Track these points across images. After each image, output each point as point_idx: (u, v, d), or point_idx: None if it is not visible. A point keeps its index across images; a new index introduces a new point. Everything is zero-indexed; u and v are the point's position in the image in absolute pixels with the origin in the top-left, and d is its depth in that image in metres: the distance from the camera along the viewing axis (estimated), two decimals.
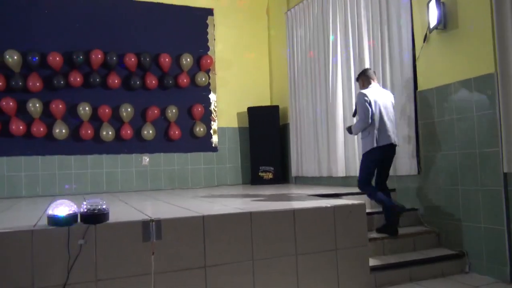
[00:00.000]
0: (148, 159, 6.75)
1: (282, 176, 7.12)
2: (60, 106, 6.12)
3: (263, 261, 3.12)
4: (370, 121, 4.04)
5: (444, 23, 4.10)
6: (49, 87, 6.18)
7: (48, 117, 6.15)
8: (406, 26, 4.62)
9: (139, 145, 6.69)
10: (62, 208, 2.65)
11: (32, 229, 2.60)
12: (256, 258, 3.11)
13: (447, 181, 4.15)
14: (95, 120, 6.38)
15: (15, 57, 5.94)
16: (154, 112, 6.63)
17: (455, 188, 4.05)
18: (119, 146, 6.57)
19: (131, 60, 6.51)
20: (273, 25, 7.66)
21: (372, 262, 3.61)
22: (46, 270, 2.58)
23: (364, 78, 4.33)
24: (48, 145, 6.21)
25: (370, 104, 4.06)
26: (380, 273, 3.58)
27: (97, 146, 6.45)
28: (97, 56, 6.31)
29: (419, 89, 4.50)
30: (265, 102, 7.57)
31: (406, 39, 4.62)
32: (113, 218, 2.85)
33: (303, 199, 4.18)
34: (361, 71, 4.47)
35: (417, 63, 4.51)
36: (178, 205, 3.89)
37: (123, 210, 3.64)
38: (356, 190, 4.51)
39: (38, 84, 6.05)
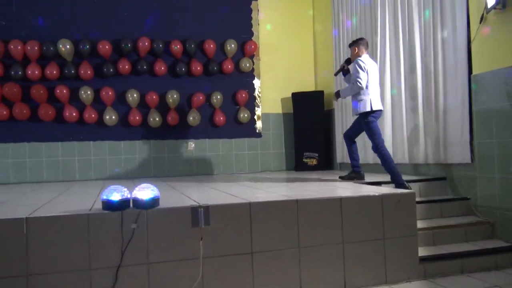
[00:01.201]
0: (193, 145, 6.87)
1: (327, 162, 7.04)
2: (110, 93, 6.32)
3: (309, 248, 3.12)
4: (365, 87, 4.44)
5: (503, 2, 3.85)
6: (99, 75, 6.39)
7: (99, 104, 6.37)
8: (461, 7, 4.37)
9: (185, 131, 6.82)
10: (116, 194, 2.74)
11: (88, 213, 2.72)
12: (302, 246, 3.11)
13: (503, 170, 3.94)
14: (143, 106, 6.54)
15: (68, 46, 6.16)
16: (199, 98, 6.71)
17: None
18: (166, 132, 6.72)
19: (176, 47, 6.59)
20: (318, 8, 7.50)
21: (422, 252, 3.51)
22: (101, 252, 2.70)
23: (362, 45, 4.67)
24: (99, 131, 6.46)
25: (367, 71, 4.46)
26: (430, 264, 3.48)
27: (145, 132, 6.63)
28: (144, 44, 6.44)
29: (474, 72, 4.28)
30: (310, 87, 7.47)
31: (461, 20, 4.38)
32: (163, 203, 2.93)
33: (349, 187, 4.12)
34: (357, 38, 4.81)
35: (472, 45, 4.28)
36: (225, 191, 3.94)
37: (172, 195, 3.73)
38: (405, 178, 4.40)
39: (89, 72, 6.27)
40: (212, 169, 6.97)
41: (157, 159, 6.72)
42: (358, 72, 4.44)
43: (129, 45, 6.40)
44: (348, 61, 4.88)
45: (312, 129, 6.99)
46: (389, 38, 5.49)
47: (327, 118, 7.10)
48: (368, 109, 4.44)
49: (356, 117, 4.79)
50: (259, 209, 3.04)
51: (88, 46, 6.26)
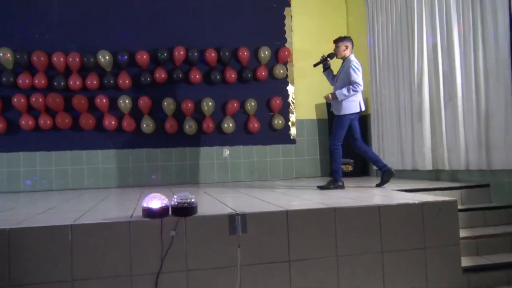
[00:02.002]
0: (228, 152, 6.93)
1: (363, 168, 6.94)
2: (147, 101, 6.48)
3: (348, 257, 3.08)
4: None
5: None
6: (137, 84, 6.56)
7: (136, 113, 6.54)
8: (502, 7, 4.23)
9: (219, 138, 6.89)
10: (155, 201, 2.80)
11: (129, 220, 2.79)
12: (340, 254, 3.07)
13: None
14: (179, 114, 6.66)
15: (107, 57, 6.36)
16: (233, 105, 6.77)
17: None
18: (201, 139, 6.81)
19: (211, 55, 6.69)
20: (352, 13, 7.44)
21: (465, 262, 3.40)
22: (142, 259, 2.75)
23: (350, 44, 4.76)
24: (136, 139, 6.62)
25: (361, 74, 4.60)
26: (474, 275, 3.36)
27: (181, 139, 6.75)
28: (179, 53, 6.57)
29: None
30: None
31: (503, 20, 4.23)
32: (200, 211, 2.96)
33: (387, 194, 4.04)
34: (346, 36, 4.92)
35: None
36: (261, 199, 3.94)
37: (209, 203, 3.77)
38: (446, 185, 4.29)
39: (127, 81, 6.45)
40: (246, 175, 7.00)
41: (192, 166, 6.81)
42: (357, 75, 4.55)
43: (165, 54, 6.55)
44: (331, 56, 4.88)
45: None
46: (426, 40, 5.37)
47: (363, 123, 6.98)
48: (358, 110, 4.64)
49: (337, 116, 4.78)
50: (296, 217, 3.03)
51: (126, 57, 6.44)
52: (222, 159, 6.91)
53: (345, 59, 4.81)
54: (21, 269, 2.60)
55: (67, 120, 6.29)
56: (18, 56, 6.15)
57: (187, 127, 6.62)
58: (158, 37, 6.70)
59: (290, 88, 7.24)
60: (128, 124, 6.43)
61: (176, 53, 6.56)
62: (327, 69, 5.02)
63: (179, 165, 6.77)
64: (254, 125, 6.89)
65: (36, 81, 6.18)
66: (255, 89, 6.99)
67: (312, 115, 7.34)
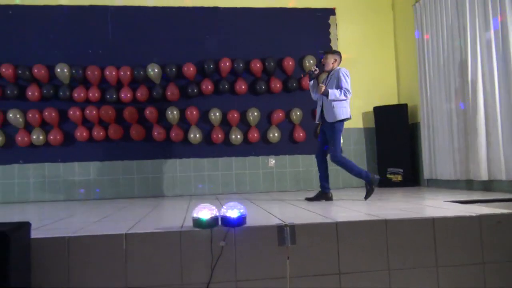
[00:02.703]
0: (274, 161, 6.94)
1: (413, 178, 6.73)
2: (194, 112, 6.62)
3: (400, 271, 2.97)
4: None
5: None
6: (184, 96, 6.73)
7: (184, 123, 6.70)
8: None
9: (265, 147, 6.92)
10: (205, 212, 2.84)
11: (180, 230, 2.84)
12: (392, 268, 2.97)
13: None
14: (225, 124, 6.76)
15: (156, 70, 6.57)
16: (279, 115, 6.79)
17: None
18: (247, 149, 6.87)
19: (256, 65, 6.75)
20: (400, 19, 7.28)
21: None
22: (192, 269, 2.79)
23: (339, 59, 4.81)
24: (184, 149, 6.77)
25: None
26: None
27: (227, 149, 6.84)
28: (225, 64, 6.68)
29: None
30: (392, 100, 7.22)
31: None
32: (249, 221, 2.97)
33: (440, 206, 3.89)
34: (335, 50, 5.03)
35: None
36: (308, 209, 3.91)
37: (257, 213, 3.78)
38: (504, 196, 4.06)
39: (175, 93, 6.63)
40: (292, 185, 6.97)
41: (239, 176, 6.87)
42: (347, 82, 4.60)
43: (211, 66, 6.68)
44: (320, 68, 4.88)
45: (395, 143, 6.74)
46: (480, 43, 5.15)
47: (412, 132, 6.81)
48: (347, 116, 4.63)
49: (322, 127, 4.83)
50: (346, 229, 2.97)
51: (174, 69, 6.62)
52: (267, 168, 6.93)
53: (331, 71, 4.82)
54: (79, 276, 2.70)
55: (118, 132, 6.54)
56: (73, 71, 6.47)
57: (233, 137, 6.69)
58: (204, 49, 6.85)
59: None
60: (176, 134, 6.59)
61: (222, 64, 6.68)
62: (313, 79, 4.94)
63: (225, 175, 6.85)
64: (300, 134, 6.86)
65: (90, 95, 6.47)
66: (300, 99, 6.97)
67: (359, 124, 7.22)
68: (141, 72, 6.56)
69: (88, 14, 6.77)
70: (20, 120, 6.40)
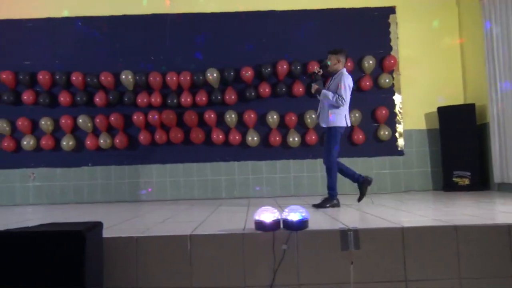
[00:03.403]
0: None
1: (481, 182, 6.35)
2: (252, 116, 6.67)
3: (473, 280, 2.81)
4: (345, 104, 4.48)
5: None
6: (242, 99, 6.81)
7: (242, 126, 6.77)
8: None
9: (323, 150, 6.81)
10: (267, 214, 2.85)
11: (243, 232, 2.87)
12: (463, 277, 2.81)
13: None
14: (282, 127, 6.76)
15: (215, 75, 6.70)
16: None
17: None
18: (304, 151, 6.82)
19: (314, 67, 6.67)
20: (465, 14, 6.92)
21: None
22: (254, 271, 2.80)
23: (343, 59, 4.63)
24: (242, 152, 6.84)
25: (351, 90, 4.56)
26: None
27: (285, 151, 6.83)
28: (282, 67, 6.68)
29: None
30: (458, 100, 6.87)
31: None
32: (311, 225, 2.94)
33: None
34: (341, 48, 4.71)
35: None
36: (371, 213, 3.81)
37: (318, 216, 3.74)
38: None
39: (233, 97, 6.72)
40: (352, 188, 6.80)
41: (297, 178, 6.83)
42: (346, 90, 4.46)
43: (269, 69, 6.70)
44: (324, 67, 4.69)
45: (462, 145, 6.40)
46: None
47: (480, 133, 6.44)
48: (344, 124, 4.51)
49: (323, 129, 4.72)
50: (413, 234, 2.86)
51: (232, 73, 6.72)
52: (323, 171, 6.81)
53: (336, 73, 4.65)
54: (147, 275, 2.81)
55: (179, 135, 6.74)
56: (137, 78, 6.76)
57: (290, 139, 6.68)
58: (262, 53, 6.89)
59: (397, 98, 6.93)
60: (234, 137, 6.68)
61: (279, 67, 6.69)
62: (317, 80, 4.76)
63: (283, 178, 6.84)
64: (359, 136, 6.71)
65: (153, 100, 6.72)
66: (359, 100, 6.78)
67: (421, 125, 6.94)
68: (201, 77, 6.72)
69: (149, 22, 7.04)
70: (89, 125, 6.78)
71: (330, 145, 4.56)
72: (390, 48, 6.95)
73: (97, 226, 2.54)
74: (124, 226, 3.54)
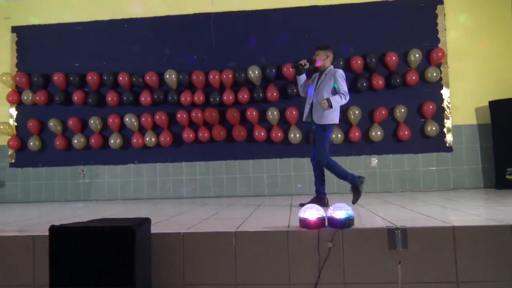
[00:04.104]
0: (376, 161, 6.69)
1: None
2: (294, 112, 6.63)
3: None
4: None
5: None
6: (284, 96, 6.78)
7: (284, 123, 6.75)
8: None
9: (367, 146, 6.70)
10: (312, 212, 2.82)
11: (287, 230, 2.85)
12: None
13: None
14: None
15: (256, 72, 6.71)
16: (381, 113, 6.53)
17: None
18: (348, 148, 6.71)
19: (357, 62, 6.56)
20: None
21: None
22: (299, 269, 2.79)
23: (331, 55, 4.53)
24: (284, 149, 6.82)
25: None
26: None
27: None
28: None
29: None
30: (511, 94, 6.53)
31: None
32: (357, 223, 2.89)
33: None
34: (327, 45, 4.56)
35: None
36: (419, 212, 3.69)
37: (363, 214, 3.67)
38: None
39: (275, 94, 6.71)
40: (397, 186, 6.66)
41: None
42: (344, 84, 4.37)
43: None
44: (311, 61, 4.49)
45: None
46: None
47: None
48: (337, 121, 4.44)
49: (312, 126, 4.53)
50: (465, 234, 2.74)
51: (274, 70, 6.71)
52: (370, 168, 6.69)
53: (324, 69, 4.50)
54: (192, 270, 2.85)
55: (221, 133, 6.81)
56: (180, 77, 6.88)
57: (333, 136, 6.59)
58: (303, 48, 6.82)
59: (445, 92, 6.68)
60: (276, 134, 6.67)
61: None
62: (301, 74, 4.59)
63: (325, 174, 6.73)
64: (405, 132, 6.52)
65: (196, 98, 6.83)
66: (404, 95, 6.64)
67: (472, 120, 6.65)
68: (242, 75, 6.75)
69: (192, 22, 7.15)
70: (135, 123, 6.98)
71: (324, 142, 4.41)
72: (438, 41, 6.70)
73: (146, 222, 2.61)
74: (170, 222, 3.62)
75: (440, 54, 6.53)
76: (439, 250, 2.74)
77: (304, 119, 4.58)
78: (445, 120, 6.65)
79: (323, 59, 4.51)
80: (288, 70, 6.63)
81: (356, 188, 4.44)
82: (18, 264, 2.97)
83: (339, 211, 2.80)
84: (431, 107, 6.52)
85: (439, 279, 2.71)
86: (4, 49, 7.49)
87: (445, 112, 6.66)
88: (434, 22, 6.74)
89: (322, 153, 4.42)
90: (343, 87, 4.36)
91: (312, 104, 4.48)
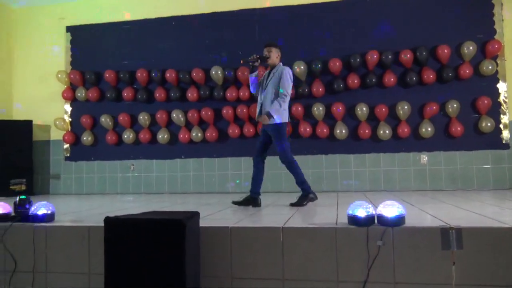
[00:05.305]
0: (426, 158, 6.46)
1: None
2: (340, 108, 6.53)
3: None
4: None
5: None
6: (330, 91, 6.69)
7: (330, 119, 6.67)
8: None
9: (416, 143, 6.49)
10: (361, 209, 2.77)
11: (336, 227, 2.81)
12: None
13: None
14: (372, 119, 6.53)
15: (302, 67, 6.66)
16: (432, 108, 6.29)
17: None
18: (396, 144, 6.53)
19: (406, 56, 6.36)
20: None
21: None
22: (348, 266, 2.75)
23: (279, 52, 4.46)
24: (330, 145, 6.74)
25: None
26: None
27: (375, 145, 6.60)
28: (372, 57, 6.44)
29: None
30: None
31: None
32: (408, 221, 2.80)
33: None
34: (274, 42, 4.63)
35: None
36: (474, 211, 3.53)
37: (413, 213, 3.56)
38: None
39: (320, 89, 6.63)
40: (448, 184, 6.41)
41: (388, 173, 6.57)
42: (290, 84, 4.33)
43: (358, 59, 6.51)
44: (263, 59, 4.39)
45: None
46: None
47: None
48: (286, 120, 4.34)
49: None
50: None
51: (320, 65, 6.63)
52: (419, 165, 6.48)
53: (274, 67, 4.45)
54: (240, 263, 2.88)
55: None
56: (226, 73, 6.95)
57: (381, 132, 6.43)
58: (350, 43, 6.71)
59: (501, 86, 6.34)
60: (321, 130, 6.60)
61: (369, 57, 6.46)
62: (254, 71, 4.50)
63: (373, 172, 6.62)
64: (457, 128, 6.26)
65: (241, 94, 6.87)
66: (457, 89, 6.36)
67: None
68: None
69: (237, 18, 7.19)
70: (182, 119, 7.12)
71: (282, 142, 4.36)
72: (494, 32, 6.37)
73: (195, 215, 2.66)
74: (217, 216, 3.67)
75: (496, 46, 6.19)
76: (496, 252, 2.61)
77: (256, 118, 4.57)
78: (501, 116, 6.32)
79: (276, 56, 4.45)
80: (334, 64, 6.53)
81: (304, 197, 4.41)
82: (75, 252, 3.12)
83: (390, 208, 2.73)
84: (486, 102, 6.21)
85: (496, 283, 2.59)
86: (60, 48, 7.86)
87: (501, 107, 6.33)
88: (490, 13, 6.40)
89: (282, 150, 4.39)
90: (286, 86, 4.29)
91: (262, 104, 4.45)
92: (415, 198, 5.06)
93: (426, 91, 6.44)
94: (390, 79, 6.40)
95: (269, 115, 4.27)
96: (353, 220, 2.78)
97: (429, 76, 6.30)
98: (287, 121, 4.41)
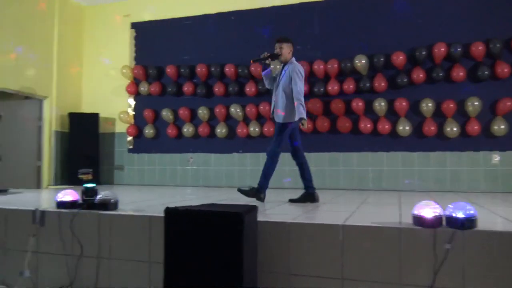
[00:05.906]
0: (499, 157, 6.03)
1: None
2: (404, 103, 6.26)
3: None
4: None
5: None
6: (392, 86, 6.43)
7: (392, 115, 6.40)
8: None
9: (487, 141, 6.07)
10: (428, 210, 2.61)
11: (399, 227, 2.67)
12: None
13: None
14: (438, 116, 6.19)
15: (363, 61, 6.44)
16: (506, 104, 5.85)
17: None
18: (464, 142, 6.15)
19: (478, 49, 5.96)
20: None
21: None
22: (412, 268, 2.60)
23: (293, 48, 4.38)
24: (392, 142, 6.48)
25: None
26: None
27: (441, 142, 6.25)
28: (440, 50, 6.10)
29: None
30: None
31: None
32: (480, 225, 2.60)
33: None
34: (289, 38, 4.41)
35: None
36: None
37: (484, 215, 3.32)
38: None
39: (383, 84, 6.38)
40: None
41: (454, 172, 6.21)
42: (302, 83, 4.28)
43: (423, 53, 6.19)
44: (274, 56, 4.32)
45: None
46: None
47: None
48: (297, 118, 4.21)
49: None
50: None
51: (382, 59, 6.38)
52: (490, 165, 6.06)
53: (286, 63, 4.39)
54: (298, 260, 2.82)
55: (325, 124, 6.67)
56: None
57: (448, 129, 6.08)
58: (415, 36, 6.40)
59: None
60: (383, 126, 6.36)
61: (436, 50, 6.12)
62: (266, 68, 4.46)
63: (437, 171, 6.28)
64: None
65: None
66: (510, 88, 5.88)
67: None
68: (348, 64, 6.53)
69: (296, 12, 7.08)
70: (240, 113, 7.16)
71: (281, 139, 4.34)
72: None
73: (253, 209, 2.64)
74: (275, 211, 3.63)
75: None
76: None
77: (270, 117, 4.57)
78: None
79: (287, 52, 4.38)
80: (398, 58, 6.26)
81: (258, 192, 4.38)
82: (137, 241, 3.21)
83: (460, 210, 2.54)
84: None
85: None
86: (124, 44, 8.17)
87: None
88: None
89: (273, 147, 4.37)
90: (298, 86, 4.23)
91: (275, 103, 4.44)
92: (484, 199, 4.73)
93: (499, 86, 5.99)
94: (458, 73, 6.03)
95: (302, 120, 4.25)
96: (419, 220, 2.62)
97: (504, 69, 5.87)
98: (292, 120, 4.31)
